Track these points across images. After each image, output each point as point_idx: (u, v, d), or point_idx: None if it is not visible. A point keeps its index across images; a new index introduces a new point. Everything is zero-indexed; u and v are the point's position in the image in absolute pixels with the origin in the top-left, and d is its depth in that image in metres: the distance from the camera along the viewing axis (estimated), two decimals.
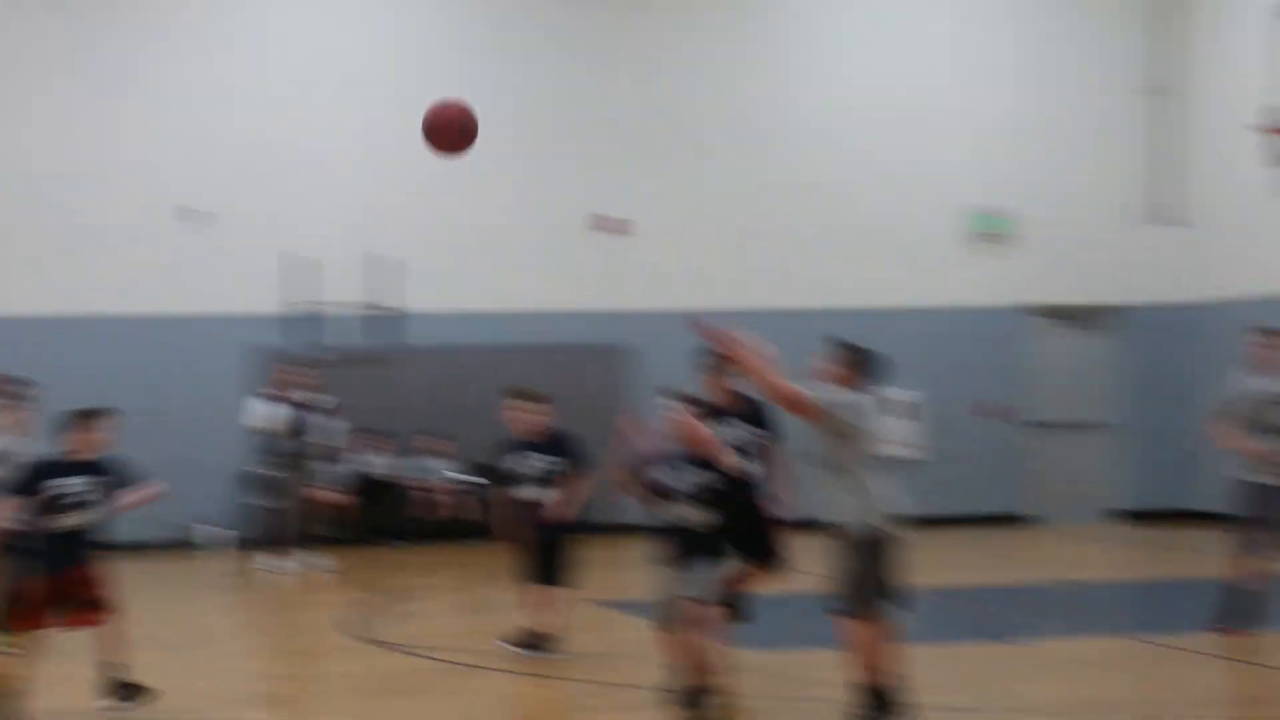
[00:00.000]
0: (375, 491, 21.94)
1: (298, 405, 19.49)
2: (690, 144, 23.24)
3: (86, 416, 10.57)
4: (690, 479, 10.07)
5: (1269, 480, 12.99)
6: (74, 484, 10.30)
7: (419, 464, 22.32)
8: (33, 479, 10.38)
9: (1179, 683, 11.85)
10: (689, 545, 10.01)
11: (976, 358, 23.72)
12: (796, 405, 9.39)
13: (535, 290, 22.86)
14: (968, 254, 23.97)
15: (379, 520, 21.96)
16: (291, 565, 19.10)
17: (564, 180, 22.93)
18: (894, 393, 23.38)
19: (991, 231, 23.97)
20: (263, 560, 19.33)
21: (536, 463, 12.83)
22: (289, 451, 19.44)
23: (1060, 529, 23.20)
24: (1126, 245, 24.18)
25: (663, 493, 10.08)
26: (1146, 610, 13.20)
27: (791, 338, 23.23)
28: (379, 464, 22.06)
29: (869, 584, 9.41)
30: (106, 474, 10.43)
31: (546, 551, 12.67)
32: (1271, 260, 22.30)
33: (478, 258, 22.66)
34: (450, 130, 9.67)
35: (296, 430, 19.47)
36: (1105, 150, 24.25)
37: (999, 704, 10.51)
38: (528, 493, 12.76)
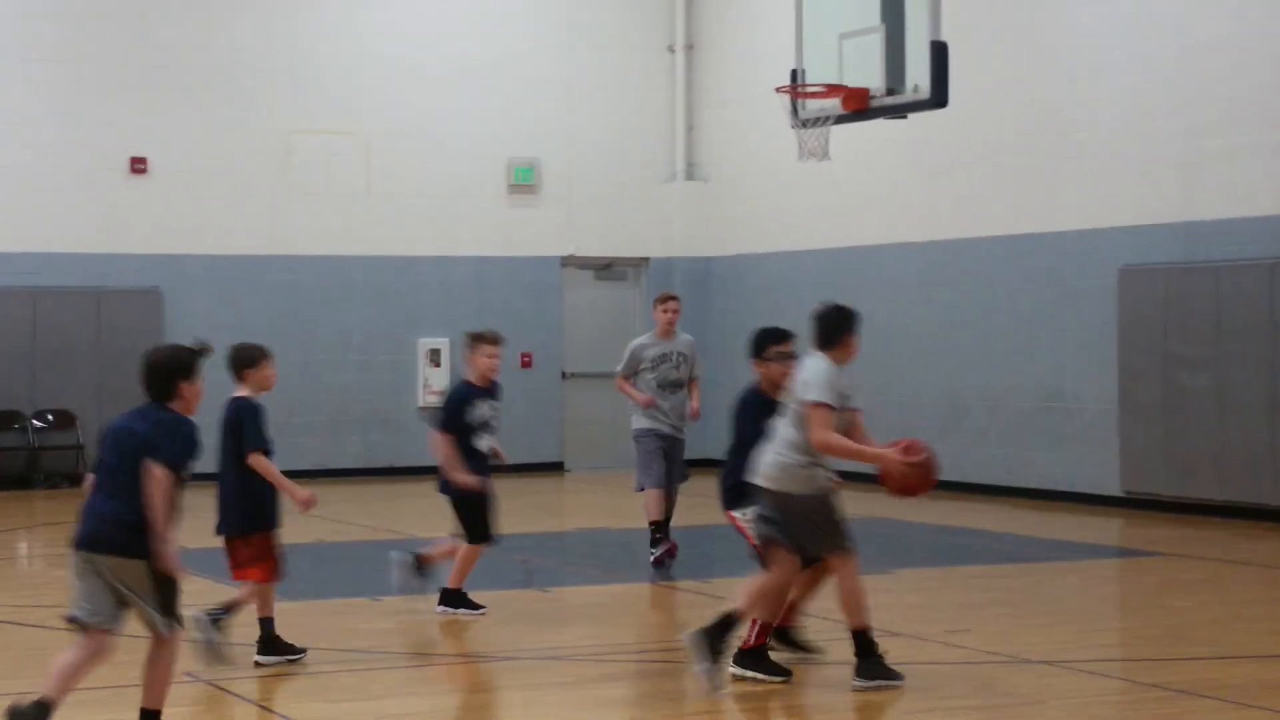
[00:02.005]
0: None
1: None
2: (227, 88, 22.85)
3: None
4: None
5: (660, 428, 14.45)
6: None
7: None
8: None
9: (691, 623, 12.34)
10: None
11: (513, 307, 23.98)
12: None
13: (62, 232, 22.19)
14: (506, 205, 24.20)
15: None
16: None
17: (96, 122, 22.30)
18: (427, 341, 23.58)
19: (529, 183, 24.25)
20: None
21: None
22: None
23: (591, 477, 23.64)
24: (655, 200, 24.79)
25: None
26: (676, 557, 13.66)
27: (324, 285, 23.22)
28: None
29: None
30: None
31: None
32: (784, 218, 23.22)
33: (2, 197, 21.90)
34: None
35: None
36: (639, 106, 24.79)
37: (527, 651, 10.73)
38: None
